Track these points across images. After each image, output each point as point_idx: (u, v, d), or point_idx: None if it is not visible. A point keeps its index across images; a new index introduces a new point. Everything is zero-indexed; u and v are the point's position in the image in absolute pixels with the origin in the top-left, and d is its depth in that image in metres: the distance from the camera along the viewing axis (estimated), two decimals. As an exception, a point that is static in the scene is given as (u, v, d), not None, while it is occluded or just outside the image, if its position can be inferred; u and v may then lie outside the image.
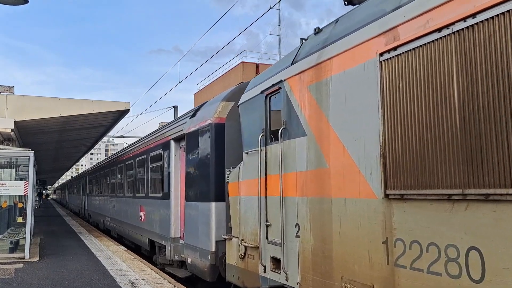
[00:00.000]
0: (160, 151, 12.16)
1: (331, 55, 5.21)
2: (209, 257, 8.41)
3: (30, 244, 12.83)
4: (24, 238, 12.38)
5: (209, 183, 8.57)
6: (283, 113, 6.05)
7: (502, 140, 3.24)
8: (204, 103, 10.55)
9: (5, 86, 14.39)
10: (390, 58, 4.24)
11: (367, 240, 4.50)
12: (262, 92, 6.71)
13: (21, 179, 13.42)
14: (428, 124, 3.81)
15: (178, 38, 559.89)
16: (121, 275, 9.80)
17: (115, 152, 29.64)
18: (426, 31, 3.86)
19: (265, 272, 6.47)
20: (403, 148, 4.06)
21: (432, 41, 3.82)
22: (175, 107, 30.23)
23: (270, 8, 15.26)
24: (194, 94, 40.66)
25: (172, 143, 11.09)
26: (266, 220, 6.44)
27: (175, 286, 8.79)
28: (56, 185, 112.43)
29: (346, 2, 6.05)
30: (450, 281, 3.60)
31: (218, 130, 8.56)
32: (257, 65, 30.92)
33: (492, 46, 3.32)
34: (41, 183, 48.49)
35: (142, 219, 13.99)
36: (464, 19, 3.54)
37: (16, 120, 13.46)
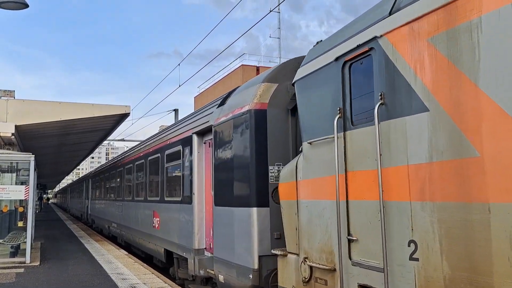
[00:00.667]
0: (179, 148, 10.29)
1: None
2: (251, 276, 6.69)
3: (31, 248, 12.21)
4: (25, 242, 11.83)
5: (249, 184, 6.84)
6: (379, 83, 4.28)
7: None
8: (234, 89, 8.68)
9: (5, 90, 14.24)
10: None
11: None
12: (337, 59, 4.92)
13: (22, 183, 12.84)
14: None
15: (178, 41, 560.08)
16: (122, 279, 9.44)
17: (115, 155, 29.36)
18: None
19: None
20: None
21: None
22: (176, 110, 29.95)
23: (270, 11, 15.12)
24: (194, 97, 40.57)
25: (195, 138, 9.30)
26: (349, 234, 4.66)
27: None
28: (56, 189, 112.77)
29: None
30: None
31: (259, 118, 6.86)
32: (257, 68, 30.93)
33: None
34: (41, 187, 48.49)
35: (156, 226, 11.95)
36: None
37: (17, 124, 13.30)
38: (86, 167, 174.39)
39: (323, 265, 5.09)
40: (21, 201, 13.57)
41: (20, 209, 13.82)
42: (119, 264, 11.60)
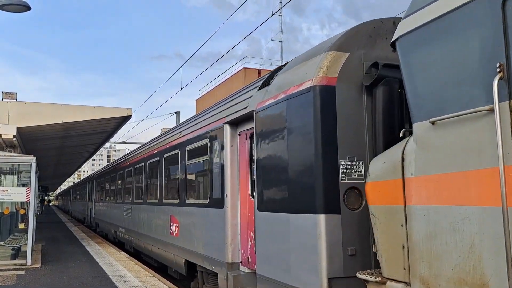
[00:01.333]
0: (205, 142, 8.86)
1: None
2: None
3: (32, 250, 12.19)
4: (26, 244, 11.77)
5: (313, 184, 5.23)
6: None
7: None
8: (278, 67, 7.09)
9: (7, 92, 14.29)
10: None
11: None
12: None
13: (23, 185, 12.84)
14: None
15: (180, 44, 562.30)
16: (123, 282, 9.43)
17: (117, 158, 29.05)
18: None
19: None
20: None
21: None
22: (177, 113, 30.13)
23: (272, 14, 15.21)
24: (196, 100, 40.68)
25: (227, 129, 7.81)
26: None
27: None
28: (58, 191, 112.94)
29: None
30: None
31: (326, 97, 5.28)
32: (259, 71, 30.99)
33: None
34: (43, 189, 48.55)
35: (174, 233, 10.46)
36: None
37: (19, 126, 13.38)
38: (87, 169, 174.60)
39: None
40: (22, 203, 13.60)
41: (22, 211, 13.84)
42: (120, 266, 11.60)
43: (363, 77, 5.38)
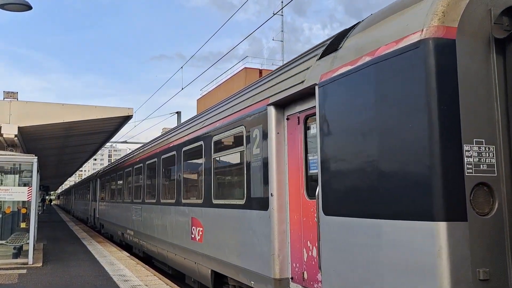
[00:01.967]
0: (239, 130, 7.32)
1: None
2: None
3: (34, 249, 12.31)
4: (28, 243, 11.77)
5: (427, 178, 3.81)
6: None
7: None
8: (347, 30, 5.52)
9: (8, 92, 14.38)
10: None
11: None
12: None
13: (25, 185, 12.76)
14: None
15: (180, 44, 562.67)
16: (124, 281, 9.39)
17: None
18: None
19: None
20: None
21: None
22: (178, 113, 30.17)
23: (274, 14, 15.23)
24: (197, 100, 40.70)
25: (272, 112, 6.28)
26: None
27: None
28: (59, 190, 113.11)
29: None
30: None
31: (443, 54, 3.85)
32: (260, 71, 31.00)
33: None
34: (44, 188, 48.61)
35: (197, 238, 9.00)
36: None
37: (20, 126, 13.44)
38: (88, 168, 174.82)
39: None
40: (24, 202, 13.63)
41: (23, 211, 13.88)
42: (121, 265, 11.62)
43: (491, 29, 3.96)
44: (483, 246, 3.73)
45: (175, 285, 9.22)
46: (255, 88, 7.35)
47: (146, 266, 11.61)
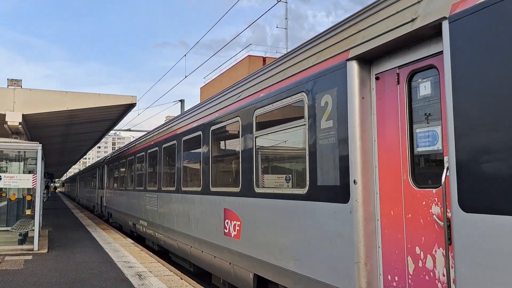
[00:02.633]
0: (297, 98, 5.75)
1: None
2: None
3: (39, 236, 12.33)
4: (33, 230, 11.85)
5: None
6: None
7: None
8: None
9: (12, 79, 14.39)
10: None
11: None
12: None
13: (29, 172, 12.84)
14: None
15: (183, 31, 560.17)
16: (128, 267, 9.51)
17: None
18: None
19: None
20: None
21: None
22: (182, 101, 30.18)
23: (278, 1, 15.12)
24: (200, 88, 40.64)
25: (354, 69, 4.76)
26: None
27: (181, 279, 8.35)
28: (64, 177, 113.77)
29: None
30: None
31: None
32: (264, 59, 30.90)
33: None
34: (49, 176, 48.93)
35: (232, 233, 7.55)
36: None
37: (24, 113, 13.52)
38: (92, 156, 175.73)
39: None
40: (29, 189, 13.75)
41: (28, 198, 13.99)
42: (126, 252, 11.74)
43: None
44: None
45: (178, 271, 9.31)
46: (323, 41, 5.62)
47: (150, 253, 11.71)
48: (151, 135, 14.65)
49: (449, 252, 3.75)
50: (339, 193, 4.93)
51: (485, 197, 3.35)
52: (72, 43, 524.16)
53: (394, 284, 4.42)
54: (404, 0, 4.38)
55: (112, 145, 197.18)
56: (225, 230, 7.88)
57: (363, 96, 4.76)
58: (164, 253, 12.80)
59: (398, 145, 4.42)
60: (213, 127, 8.71)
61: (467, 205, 3.51)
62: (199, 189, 9.30)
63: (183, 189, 10.38)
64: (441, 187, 3.79)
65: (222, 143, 8.76)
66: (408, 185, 4.30)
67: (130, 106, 15.25)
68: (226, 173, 8.41)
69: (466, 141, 3.52)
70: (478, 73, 3.45)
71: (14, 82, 13.72)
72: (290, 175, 6.27)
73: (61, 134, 20.98)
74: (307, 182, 5.50)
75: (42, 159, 12.91)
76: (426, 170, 4.20)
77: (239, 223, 7.36)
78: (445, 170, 3.78)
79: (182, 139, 10.60)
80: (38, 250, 11.81)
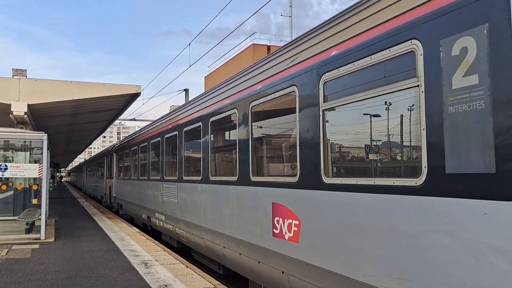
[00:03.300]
0: (409, 47, 3.98)
1: None
2: None
3: (46, 225, 12.40)
4: (40, 219, 11.93)
5: None
6: None
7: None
8: None
9: (17, 69, 14.43)
10: None
11: None
12: None
13: (35, 162, 12.91)
14: None
15: (187, 20, 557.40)
16: (134, 256, 9.59)
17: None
18: None
19: None
20: None
21: None
22: (186, 90, 30.14)
23: (281, -12, 15.05)
24: (205, 77, 40.57)
25: None
26: None
27: (187, 267, 8.41)
28: (70, 167, 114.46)
29: None
30: None
31: None
32: (268, 47, 30.72)
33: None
34: (54, 165, 49.22)
35: (286, 235, 6.00)
36: None
37: (29, 103, 13.55)
38: (98, 146, 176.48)
39: None
40: (35, 179, 13.84)
41: (34, 187, 14.09)
42: (131, 241, 11.82)
43: None
44: None
45: (184, 260, 9.37)
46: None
47: (156, 241, 11.78)
48: (168, 118, 12.66)
49: None
50: (496, 185, 3.24)
51: None
52: (76, 32, 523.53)
53: None
54: None
55: (117, 134, 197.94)
56: (274, 230, 6.35)
57: None
58: (185, 251, 11.21)
59: None
60: (252, 104, 7.13)
61: None
62: (234, 178, 7.67)
63: (212, 178, 8.74)
64: None
65: (266, 121, 7.24)
66: None
67: (135, 96, 15.26)
68: (274, 158, 6.93)
69: None
70: None
71: (19, 72, 13.74)
72: (385, 160, 4.47)
73: (67, 124, 21.04)
74: (423, 169, 3.83)
75: (48, 148, 12.96)
76: None
77: (296, 222, 5.81)
78: None
79: (210, 121, 8.78)
80: (45, 239, 11.90)
